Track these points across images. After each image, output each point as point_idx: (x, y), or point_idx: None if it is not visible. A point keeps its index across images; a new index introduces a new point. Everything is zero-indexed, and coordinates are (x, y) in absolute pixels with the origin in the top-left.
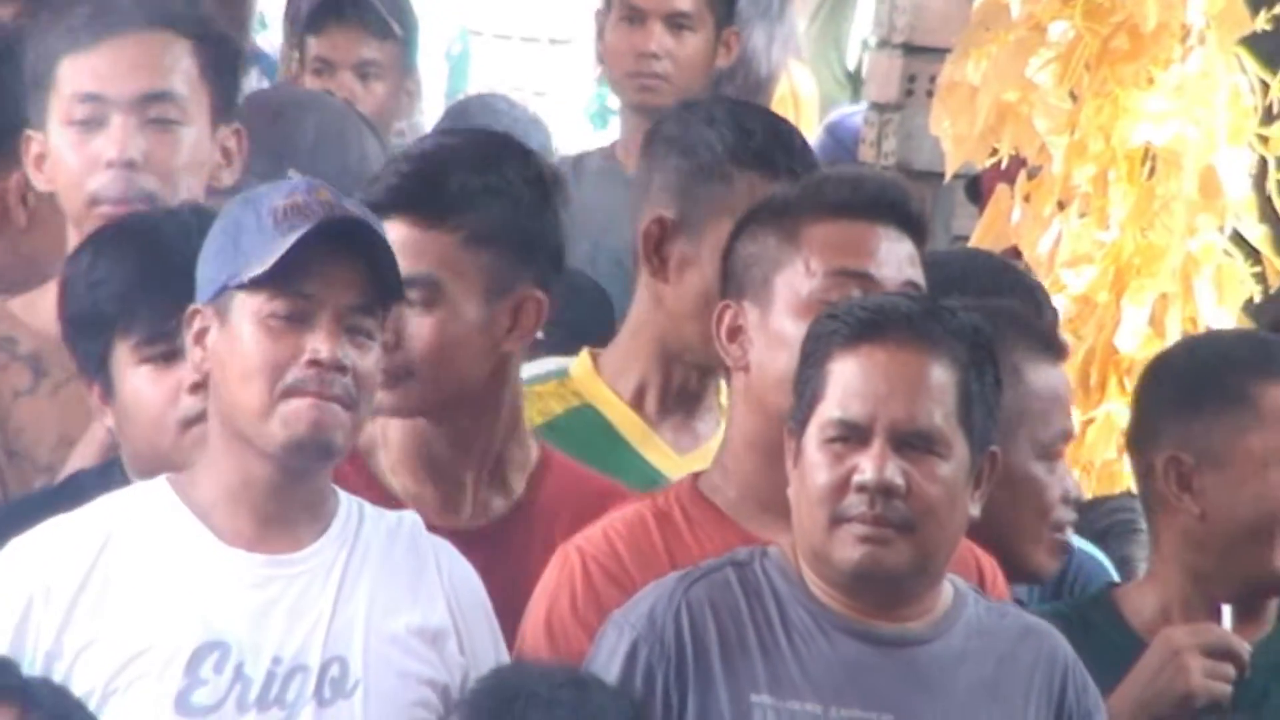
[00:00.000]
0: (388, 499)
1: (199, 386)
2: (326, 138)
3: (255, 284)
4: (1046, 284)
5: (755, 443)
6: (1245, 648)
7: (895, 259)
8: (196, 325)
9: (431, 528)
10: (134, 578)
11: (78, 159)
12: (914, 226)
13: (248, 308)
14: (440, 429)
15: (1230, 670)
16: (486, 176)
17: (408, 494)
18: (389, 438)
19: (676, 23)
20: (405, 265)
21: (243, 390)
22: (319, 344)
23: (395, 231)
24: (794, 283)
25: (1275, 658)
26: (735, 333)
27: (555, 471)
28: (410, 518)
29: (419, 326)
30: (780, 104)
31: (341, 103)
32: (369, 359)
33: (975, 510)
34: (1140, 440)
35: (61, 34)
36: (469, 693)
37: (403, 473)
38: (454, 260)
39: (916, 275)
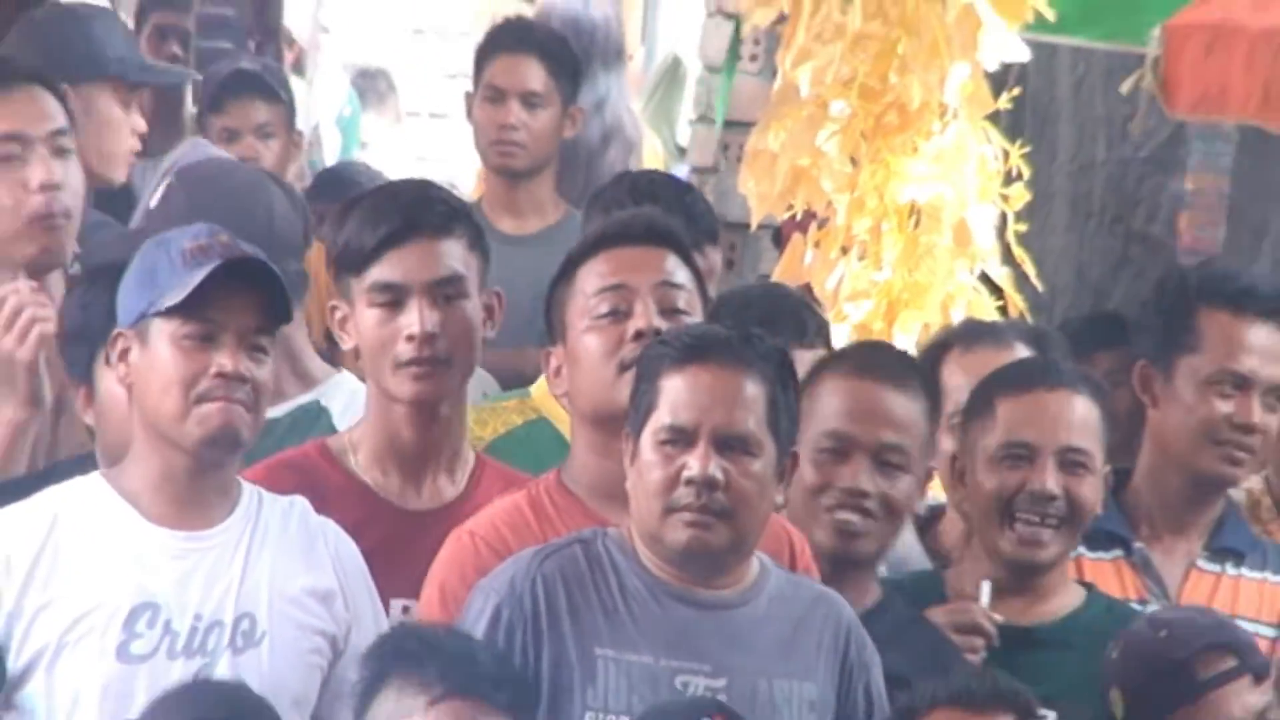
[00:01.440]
0: (361, 488)
1: None
2: (243, 197)
3: (170, 311)
4: (831, 314)
5: (589, 444)
6: (992, 622)
7: (656, 270)
8: (120, 346)
9: (394, 509)
10: (78, 551)
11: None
12: (673, 242)
13: (164, 331)
14: (422, 423)
15: (979, 642)
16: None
17: (376, 484)
18: (357, 442)
19: (530, 101)
20: (440, 269)
21: (163, 398)
22: (224, 360)
23: (428, 244)
24: (578, 310)
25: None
26: (558, 372)
27: (489, 470)
28: (300, 502)
29: (453, 317)
30: (649, 159)
31: (257, 170)
32: (264, 370)
33: (780, 498)
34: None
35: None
36: (372, 645)
37: (372, 467)
38: (465, 259)
39: (682, 277)
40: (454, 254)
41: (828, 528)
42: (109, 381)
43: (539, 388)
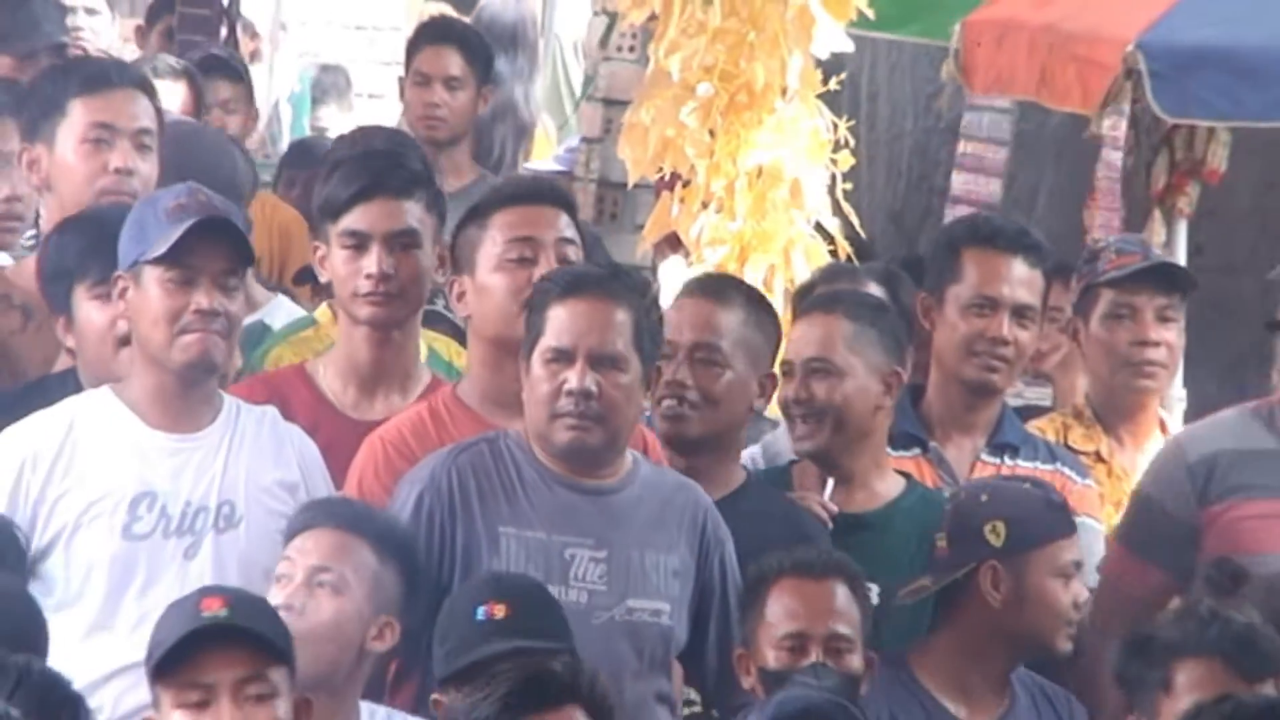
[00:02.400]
0: (320, 399)
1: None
2: (212, 156)
3: (157, 260)
4: (694, 257)
5: (485, 362)
6: (828, 511)
7: (553, 225)
8: (120, 286)
9: (346, 418)
10: (91, 450)
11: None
12: (566, 204)
13: (153, 275)
14: (376, 344)
15: (815, 507)
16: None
17: (335, 397)
18: (327, 363)
19: (450, 84)
20: (399, 223)
21: (153, 330)
22: (201, 299)
23: (392, 202)
24: (487, 253)
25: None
26: (460, 298)
27: (436, 386)
28: (271, 411)
29: (410, 264)
30: (539, 139)
31: (221, 133)
32: (236, 304)
33: (645, 403)
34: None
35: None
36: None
37: (335, 383)
38: (422, 217)
39: (572, 234)
40: (413, 213)
41: (658, 416)
42: (86, 311)
43: (322, 314)
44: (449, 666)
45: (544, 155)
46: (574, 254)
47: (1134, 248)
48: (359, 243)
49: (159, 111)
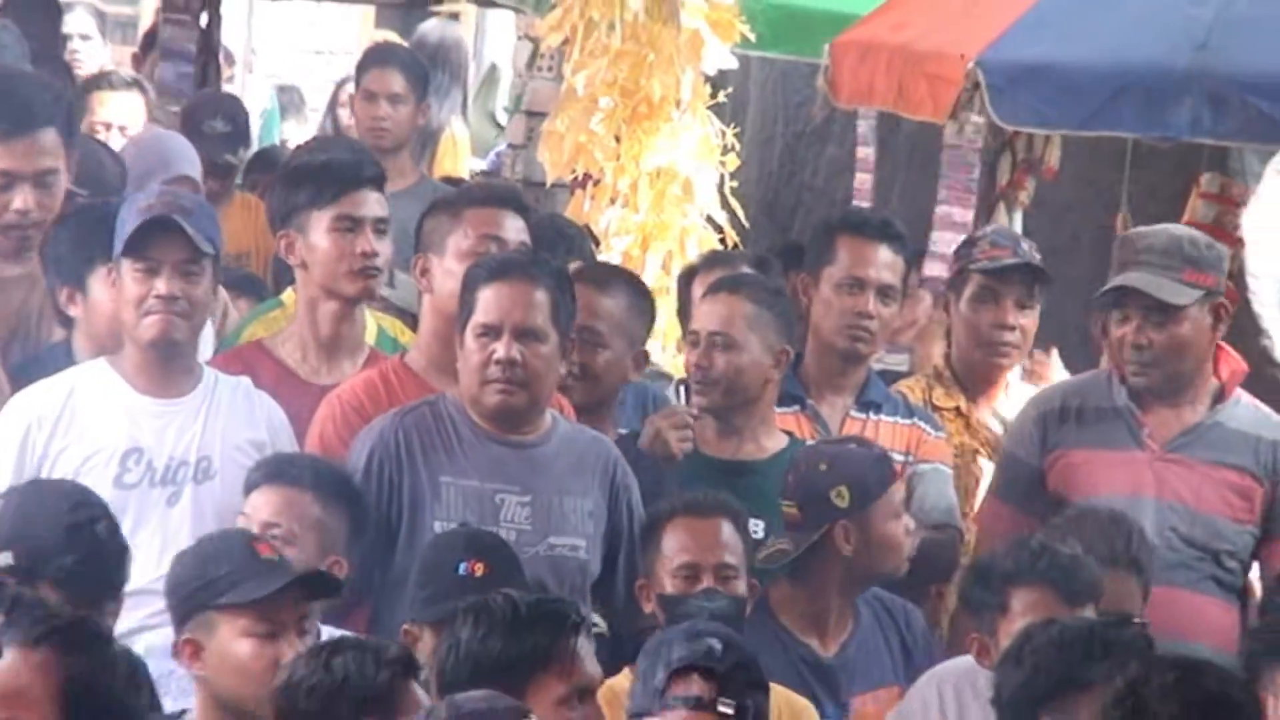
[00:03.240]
0: (279, 364)
1: None
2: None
3: (126, 251)
4: (603, 246)
5: (437, 333)
6: (693, 415)
7: (515, 227)
8: (110, 276)
9: (306, 384)
10: (88, 412)
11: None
12: (523, 209)
13: (126, 266)
14: (341, 317)
15: (690, 434)
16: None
17: (294, 362)
18: (284, 339)
19: (394, 100)
20: (384, 212)
21: (127, 312)
22: (161, 285)
23: (379, 196)
24: (458, 243)
25: None
26: (425, 272)
27: (375, 356)
28: (245, 381)
29: (385, 246)
30: (445, 143)
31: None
32: (198, 289)
33: (563, 370)
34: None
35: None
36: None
37: (294, 351)
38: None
39: (525, 237)
40: (385, 204)
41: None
42: (98, 291)
43: (288, 296)
44: (429, 612)
45: (451, 158)
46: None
47: (1007, 242)
48: (351, 226)
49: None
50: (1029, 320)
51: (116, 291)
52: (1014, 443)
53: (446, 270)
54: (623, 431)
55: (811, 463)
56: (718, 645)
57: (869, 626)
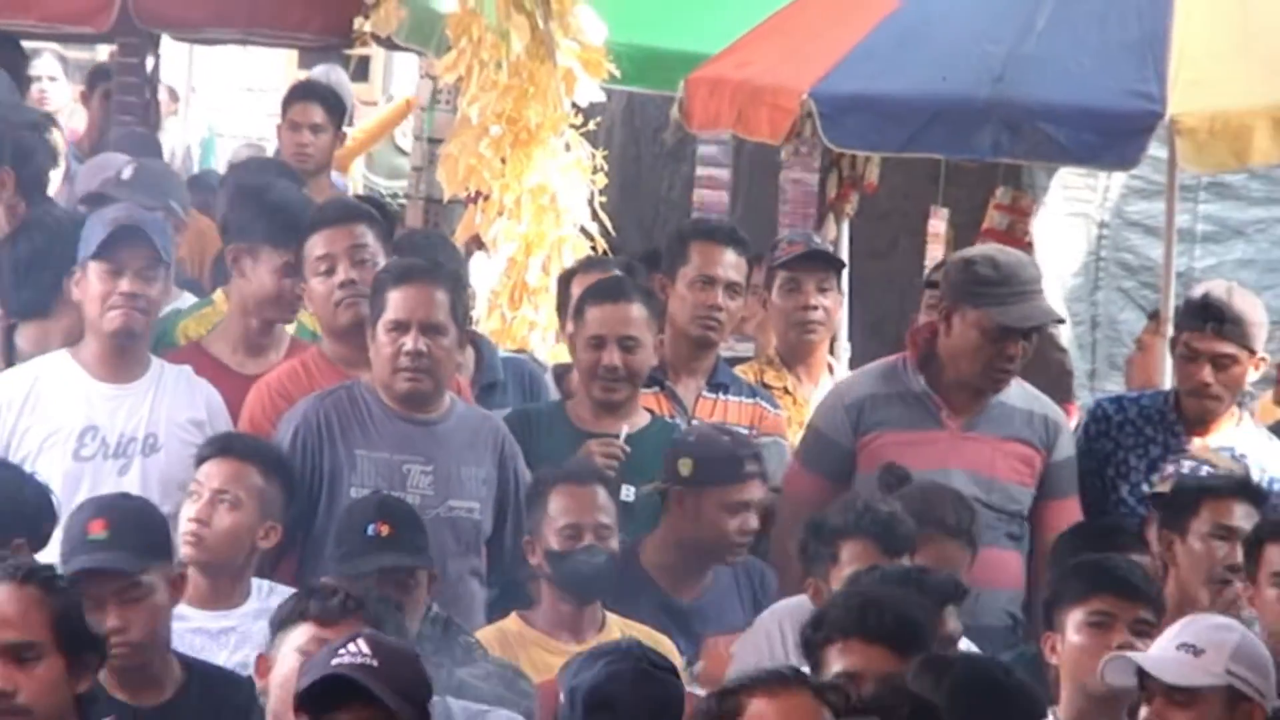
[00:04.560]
0: (215, 361)
1: None
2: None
3: (94, 256)
4: (491, 253)
5: (334, 334)
6: (625, 451)
7: (371, 240)
8: (76, 276)
9: (237, 374)
10: (50, 395)
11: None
12: (368, 216)
13: (94, 268)
14: (261, 322)
15: (615, 465)
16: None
17: (222, 354)
18: (215, 339)
19: (315, 129)
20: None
21: (92, 308)
22: (124, 285)
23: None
24: (310, 265)
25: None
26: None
27: (296, 345)
28: (187, 370)
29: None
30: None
31: None
32: (154, 289)
33: (460, 355)
34: None
35: None
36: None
37: (224, 348)
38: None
39: (370, 239)
40: (369, 235)
41: (401, 379)
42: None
43: (218, 296)
44: (342, 568)
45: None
46: (369, 254)
47: (800, 238)
48: (292, 272)
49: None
50: (830, 301)
51: (82, 291)
52: (824, 423)
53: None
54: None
55: (694, 430)
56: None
57: (727, 581)
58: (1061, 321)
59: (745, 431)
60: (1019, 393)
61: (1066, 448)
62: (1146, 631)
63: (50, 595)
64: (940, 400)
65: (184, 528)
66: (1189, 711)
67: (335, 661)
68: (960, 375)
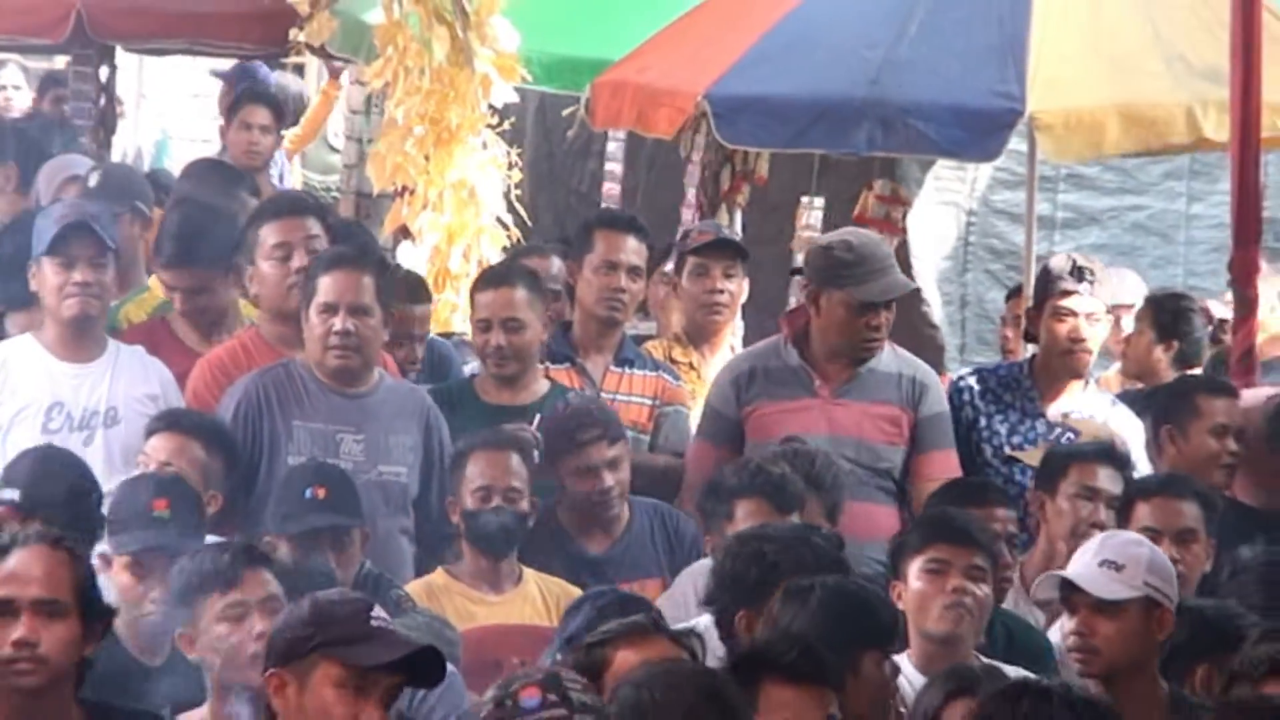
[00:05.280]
0: (175, 338)
1: None
2: None
3: (47, 253)
4: (418, 241)
5: (281, 315)
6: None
7: (320, 232)
8: (33, 270)
9: (193, 351)
10: (19, 375)
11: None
12: (317, 210)
13: (46, 263)
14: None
15: (529, 438)
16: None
17: (187, 337)
18: (176, 315)
19: (263, 129)
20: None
21: (49, 297)
22: (76, 275)
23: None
24: (264, 250)
25: None
26: (250, 278)
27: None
28: (140, 349)
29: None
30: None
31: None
32: (106, 276)
33: (385, 335)
34: None
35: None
36: None
37: (186, 329)
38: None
39: (317, 230)
40: (318, 227)
41: (331, 357)
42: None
43: (153, 282)
44: (282, 528)
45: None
46: (319, 244)
47: (709, 228)
48: (285, 254)
49: None
50: (734, 285)
51: (39, 283)
52: (716, 399)
53: (259, 273)
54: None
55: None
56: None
57: (640, 530)
58: (917, 290)
59: (650, 403)
60: (889, 357)
61: (935, 404)
62: (979, 577)
63: (75, 561)
64: (813, 372)
65: None
66: (1114, 620)
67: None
68: (833, 349)
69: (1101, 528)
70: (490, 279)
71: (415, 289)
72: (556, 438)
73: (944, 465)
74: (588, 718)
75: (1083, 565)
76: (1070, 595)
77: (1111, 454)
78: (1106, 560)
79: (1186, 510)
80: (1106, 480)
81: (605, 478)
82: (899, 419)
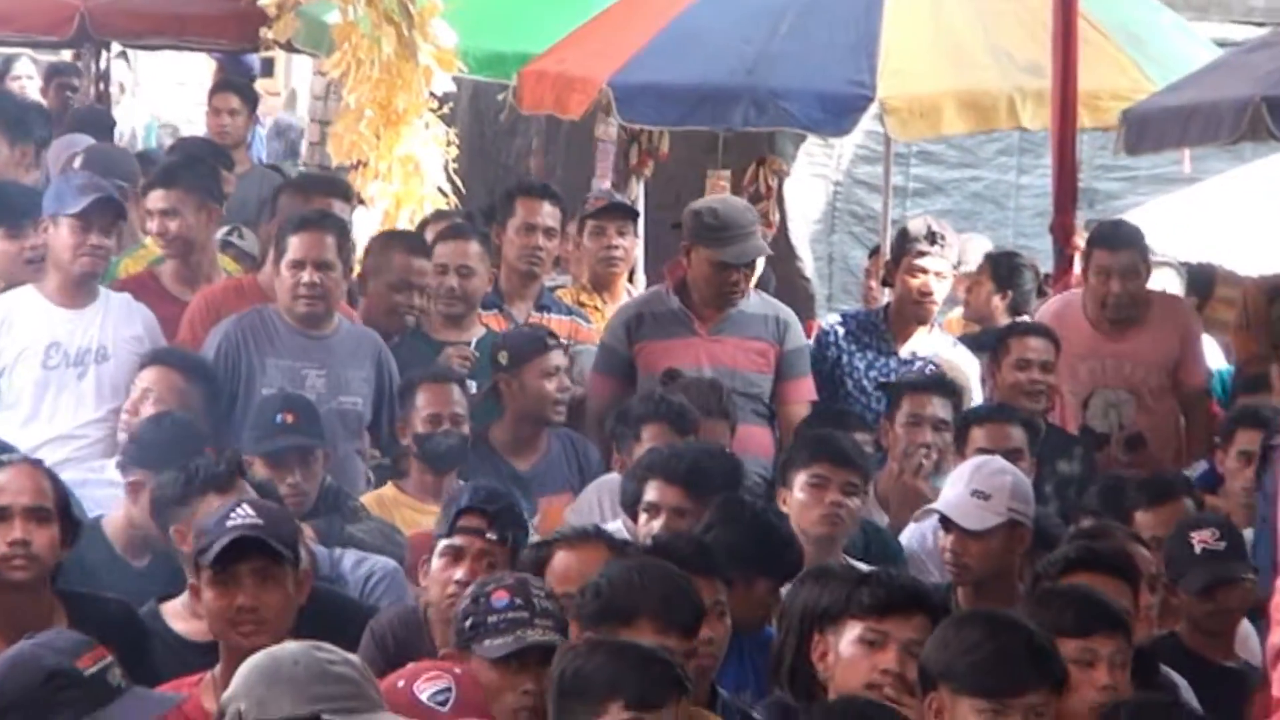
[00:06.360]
0: (162, 289)
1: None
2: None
3: (73, 215)
4: (371, 206)
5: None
6: (476, 357)
7: (332, 247)
8: (43, 225)
9: (177, 299)
10: (21, 320)
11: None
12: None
13: (65, 222)
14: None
15: (469, 365)
16: None
17: (173, 286)
18: (164, 268)
19: (233, 112)
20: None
21: (62, 252)
22: (91, 238)
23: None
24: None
25: None
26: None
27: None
28: (127, 295)
29: None
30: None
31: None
32: (112, 240)
33: (345, 284)
34: None
35: None
36: None
37: (172, 280)
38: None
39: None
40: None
41: (301, 303)
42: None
43: (148, 239)
44: (257, 448)
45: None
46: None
47: (604, 195)
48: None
49: None
50: (628, 242)
51: (52, 238)
52: (610, 338)
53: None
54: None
55: (501, 333)
56: (492, 493)
57: (557, 452)
58: (791, 248)
59: (566, 342)
60: (756, 301)
61: (796, 339)
62: (854, 491)
63: (53, 479)
64: (691, 315)
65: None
66: (981, 542)
67: (231, 524)
68: (703, 296)
69: (928, 448)
70: (450, 233)
71: (416, 245)
72: (525, 343)
73: (805, 390)
74: (546, 622)
75: (955, 495)
76: (947, 522)
77: (940, 384)
78: (976, 490)
79: (1013, 433)
80: (936, 408)
81: (565, 379)
82: (767, 352)
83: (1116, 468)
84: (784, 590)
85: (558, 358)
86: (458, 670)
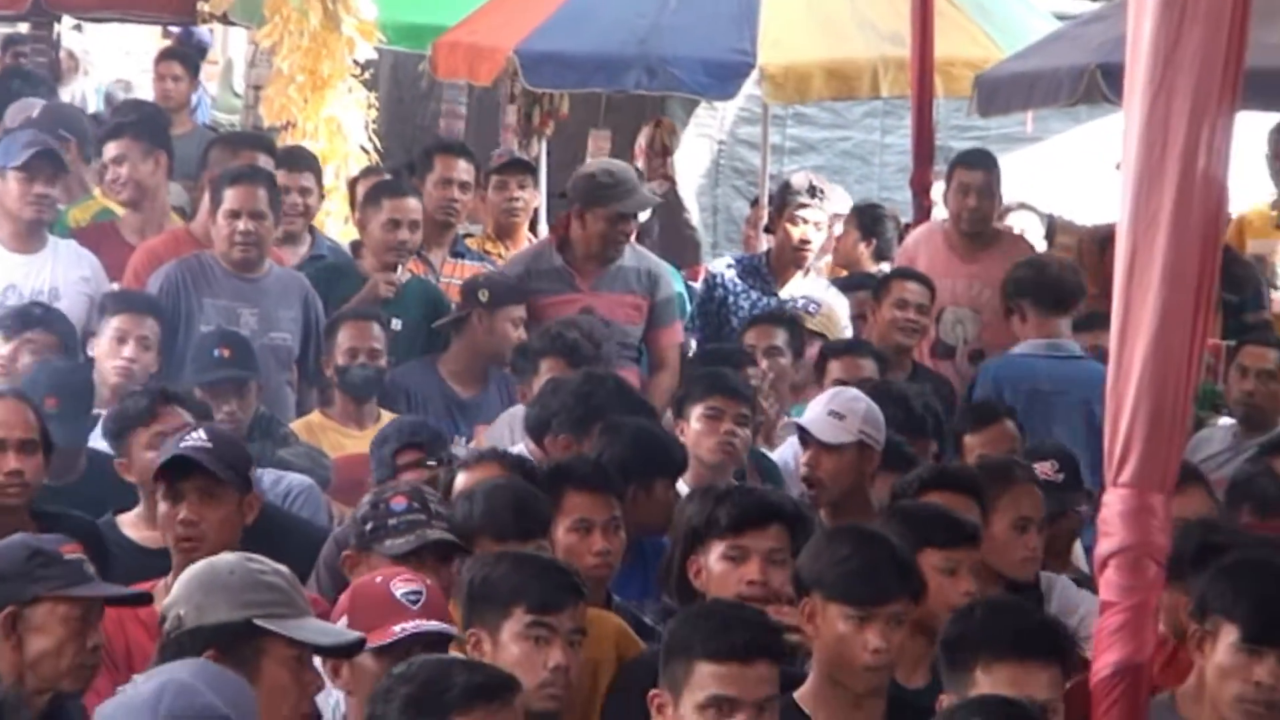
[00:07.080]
0: (116, 235)
1: None
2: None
3: (17, 167)
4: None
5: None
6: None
7: (264, 199)
8: None
9: (128, 244)
10: None
11: None
12: (267, 180)
13: (12, 175)
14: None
15: (392, 289)
16: None
17: (131, 236)
18: (123, 222)
19: (177, 78)
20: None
21: (11, 202)
22: (37, 188)
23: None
24: (215, 198)
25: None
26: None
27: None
28: (73, 242)
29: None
30: None
31: None
32: (57, 189)
33: (276, 233)
34: None
35: None
36: None
37: (129, 230)
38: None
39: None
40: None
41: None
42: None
43: (96, 191)
44: (197, 379)
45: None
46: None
47: (505, 152)
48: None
49: None
50: (527, 194)
51: (1, 191)
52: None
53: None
54: None
55: (480, 277)
56: (415, 427)
57: (494, 388)
58: (679, 200)
59: None
60: (631, 255)
61: (665, 290)
62: (744, 422)
63: (34, 408)
64: (573, 271)
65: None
66: (833, 457)
67: (181, 445)
68: (591, 251)
69: (780, 373)
70: (396, 189)
71: (298, 160)
72: (510, 291)
73: (672, 336)
74: (441, 524)
75: (814, 414)
76: (805, 436)
77: (780, 316)
78: (833, 410)
79: (865, 365)
80: (779, 339)
81: (522, 330)
82: (639, 304)
83: (963, 379)
84: (681, 484)
85: (524, 311)
86: (429, 581)
